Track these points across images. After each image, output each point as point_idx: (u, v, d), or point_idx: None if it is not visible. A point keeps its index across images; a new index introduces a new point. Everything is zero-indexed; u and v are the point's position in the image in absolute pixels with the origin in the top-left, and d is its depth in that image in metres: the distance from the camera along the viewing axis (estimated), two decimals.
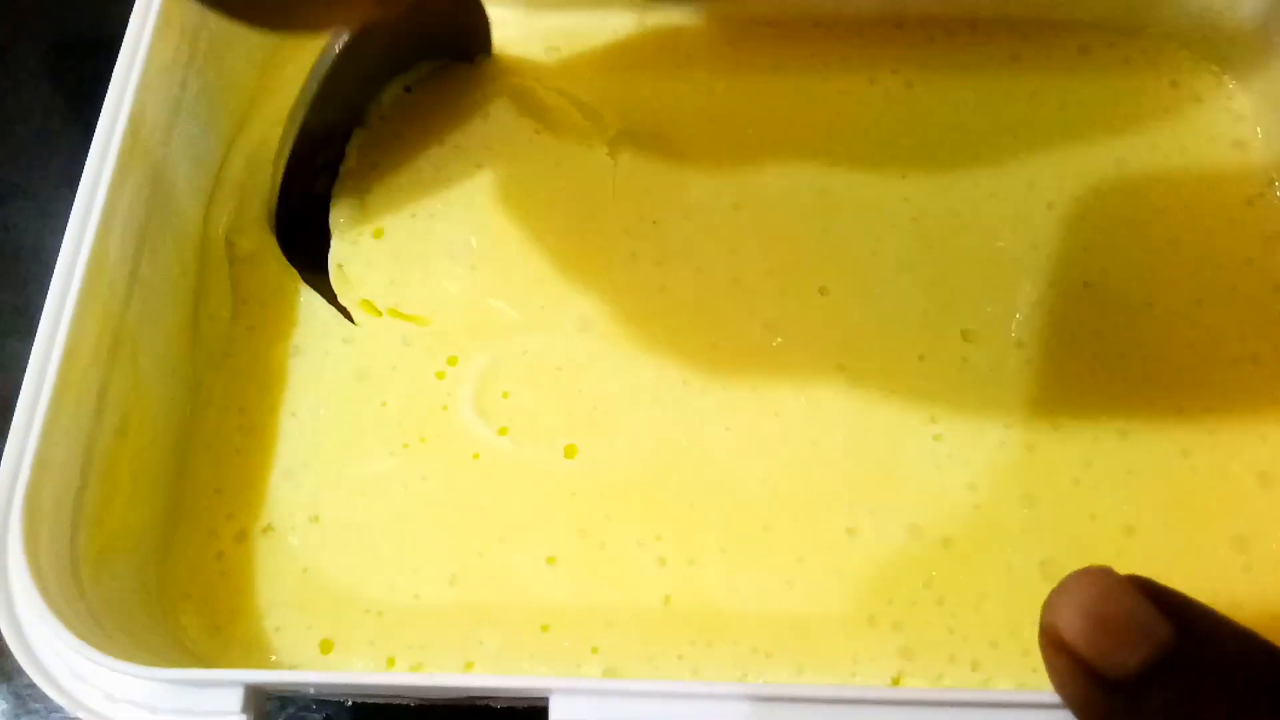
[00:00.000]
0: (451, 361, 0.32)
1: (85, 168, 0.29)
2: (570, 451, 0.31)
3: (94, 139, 0.29)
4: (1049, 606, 0.19)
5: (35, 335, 0.27)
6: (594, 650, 0.28)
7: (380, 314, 0.33)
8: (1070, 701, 0.18)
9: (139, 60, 0.30)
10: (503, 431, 0.31)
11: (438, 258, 0.34)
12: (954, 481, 0.30)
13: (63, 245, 0.28)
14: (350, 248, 0.34)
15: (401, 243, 0.34)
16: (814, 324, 0.32)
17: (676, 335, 0.32)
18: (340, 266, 0.34)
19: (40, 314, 0.27)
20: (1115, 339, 0.32)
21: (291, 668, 0.28)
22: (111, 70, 0.30)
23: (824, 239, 0.34)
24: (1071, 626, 0.18)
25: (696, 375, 0.31)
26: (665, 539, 0.29)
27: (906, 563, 0.29)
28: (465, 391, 0.31)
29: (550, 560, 0.29)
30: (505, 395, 0.31)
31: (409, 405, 0.31)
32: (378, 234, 0.34)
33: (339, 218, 0.34)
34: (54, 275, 0.27)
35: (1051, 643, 0.18)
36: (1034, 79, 0.36)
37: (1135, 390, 0.31)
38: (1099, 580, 0.18)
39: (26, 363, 0.27)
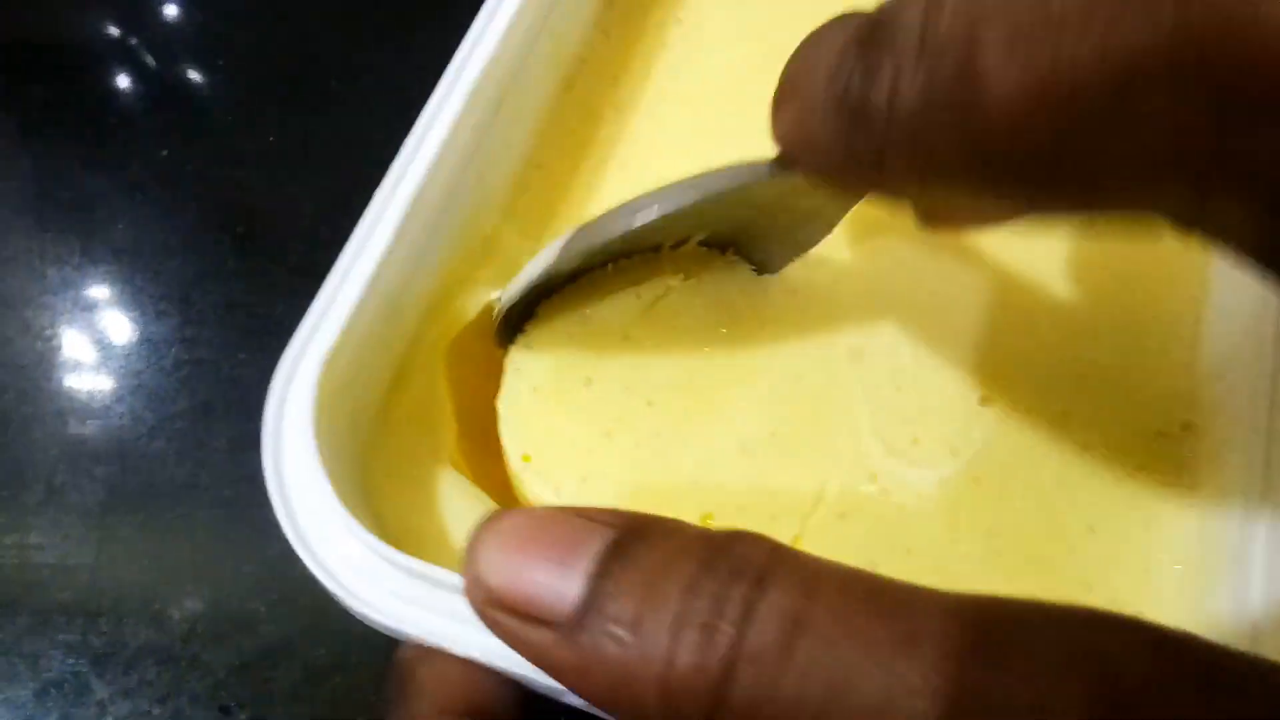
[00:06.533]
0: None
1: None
2: None
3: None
4: (470, 567, 0.17)
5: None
6: None
7: None
8: (536, 657, 0.16)
9: None
10: None
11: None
12: None
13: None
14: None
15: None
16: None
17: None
18: None
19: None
20: None
21: None
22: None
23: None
24: (503, 571, 0.16)
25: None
26: None
27: None
28: None
29: None
30: None
31: None
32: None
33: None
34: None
35: (490, 601, 0.16)
36: None
37: None
38: (506, 519, 0.17)
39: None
